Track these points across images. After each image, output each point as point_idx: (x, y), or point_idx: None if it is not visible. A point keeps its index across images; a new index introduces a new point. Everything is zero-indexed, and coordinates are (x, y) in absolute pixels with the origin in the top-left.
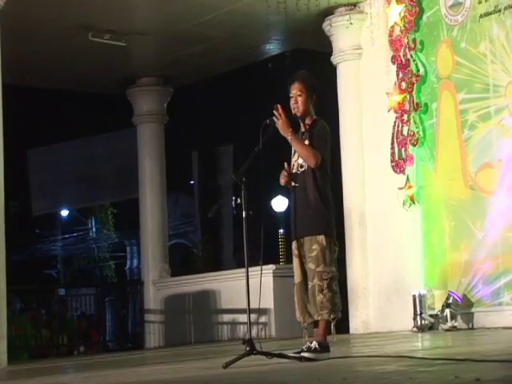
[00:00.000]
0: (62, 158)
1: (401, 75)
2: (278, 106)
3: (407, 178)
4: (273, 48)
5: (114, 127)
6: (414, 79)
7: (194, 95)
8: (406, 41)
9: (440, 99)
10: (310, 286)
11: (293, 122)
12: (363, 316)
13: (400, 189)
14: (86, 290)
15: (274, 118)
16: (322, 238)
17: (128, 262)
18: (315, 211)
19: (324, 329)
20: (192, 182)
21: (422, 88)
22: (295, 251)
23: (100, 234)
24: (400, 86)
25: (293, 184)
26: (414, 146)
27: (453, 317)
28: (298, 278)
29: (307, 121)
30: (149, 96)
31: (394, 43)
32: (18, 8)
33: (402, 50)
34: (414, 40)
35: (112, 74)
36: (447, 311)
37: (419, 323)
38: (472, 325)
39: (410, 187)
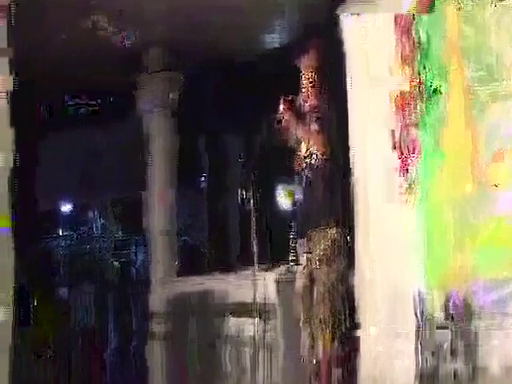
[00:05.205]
0: (62, 150)
1: (403, 40)
2: (284, 101)
3: (411, 182)
4: (279, 37)
5: (119, 119)
6: (416, 45)
7: (204, 85)
8: None
9: (448, 71)
10: (315, 290)
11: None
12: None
13: (401, 194)
14: (88, 289)
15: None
16: (332, 231)
17: (134, 262)
18: (324, 202)
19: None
20: (202, 176)
21: (426, 61)
22: (300, 248)
23: (104, 231)
24: (402, 53)
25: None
26: (416, 125)
27: (453, 352)
28: (302, 280)
29: (315, 114)
30: (157, 86)
31: None
32: None
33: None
34: None
35: (118, 63)
36: (447, 344)
37: (420, 364)
38: (474, 365)
39: (411, 191)
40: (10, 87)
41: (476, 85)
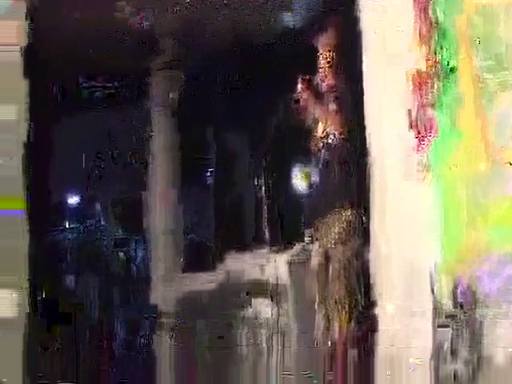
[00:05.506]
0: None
1: (421, 18)
2: (302, 80)
3: (427, 161)
4: (297, 16)
5: (121, 115)
6: (433, 25)
7: (209, 78)
8: None
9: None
10: (330, 268)
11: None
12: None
13: (418, 172)
14: (93, 283)
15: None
16: (347, 213)
17: (136, 257)
18: (340, 183)
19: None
20: (208, 171)
21: (443, 41)
22: (313, 231)
23: (109, 225)
24: (420, 31)
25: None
26: (432, 105)
27: (454, 352)
28: (316, 260)
29: (333, 94)
30: (162, 82)
31: None
32: None
33: None
34: None
35: (135, 46)
36: (447, 343)
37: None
38: (477, 364)
39: (428, 170)
40: (25, 40)
41: (485, 74)
